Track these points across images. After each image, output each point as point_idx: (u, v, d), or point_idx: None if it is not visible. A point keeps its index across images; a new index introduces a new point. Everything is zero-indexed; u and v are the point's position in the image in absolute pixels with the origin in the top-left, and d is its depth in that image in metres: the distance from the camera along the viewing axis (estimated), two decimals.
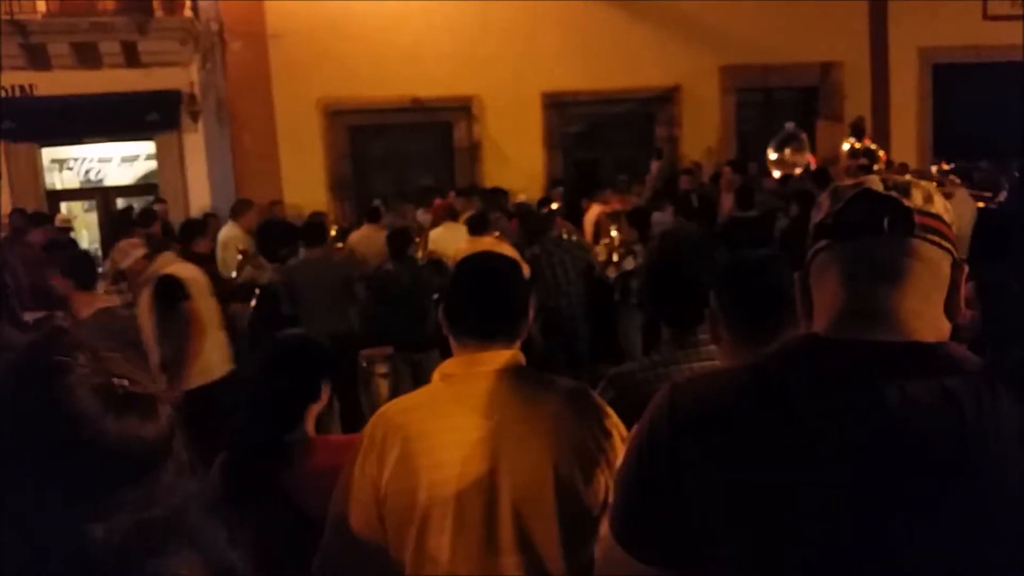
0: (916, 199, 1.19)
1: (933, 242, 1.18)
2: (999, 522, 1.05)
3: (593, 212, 9.09)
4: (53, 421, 0.65)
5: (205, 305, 5.32)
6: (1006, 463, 1.06)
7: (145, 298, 5.14)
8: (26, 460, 0.62)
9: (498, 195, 9.52)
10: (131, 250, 5.40)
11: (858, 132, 10.86)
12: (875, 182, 1.21)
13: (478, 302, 2.01)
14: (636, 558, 1.22)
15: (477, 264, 2.15)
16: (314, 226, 7.18)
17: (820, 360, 1.16)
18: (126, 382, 0.70)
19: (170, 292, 5.06)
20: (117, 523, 0.67)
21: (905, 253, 1.17)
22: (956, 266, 1.21)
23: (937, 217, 1.19)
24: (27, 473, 0.63)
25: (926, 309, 1.17)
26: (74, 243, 9.75)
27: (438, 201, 8.76)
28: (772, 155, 9.82)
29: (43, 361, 0.69)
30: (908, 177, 1.26)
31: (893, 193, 1.19)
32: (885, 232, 1.17)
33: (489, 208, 8.45)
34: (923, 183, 1.23)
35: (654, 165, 10.60)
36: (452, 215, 8.35)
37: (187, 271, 5.34)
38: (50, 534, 0.62)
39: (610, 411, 2.01)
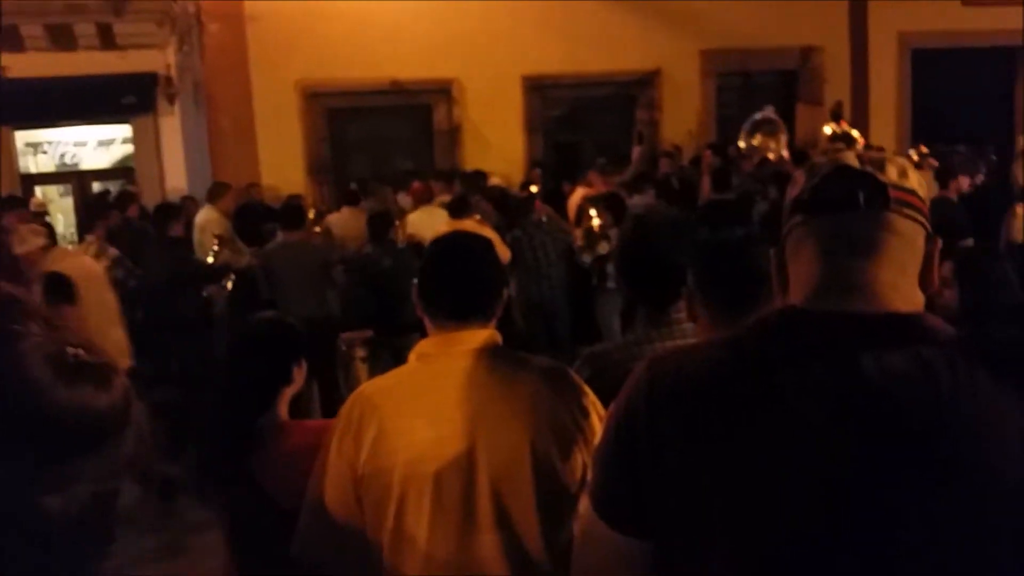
0: (891, 174, 1.20)
1: (908, 216, 1.20)
2: (974, 486, 1.06)
3: (577, 195, 9.09)
4: (3, 389, 0.63)
5: (99, 300, 5.10)
6: (981, 428, 1.08)
7: (37, 292, 4.82)
8: None
9: (478, 178, 9.49)
10: (30, 236, 5.05)
11: (836, 117, 10.93)
12: (851, 158, 1.23)
13: (451, 282, 2.00)
14: (615, 530, 1.23)
15: (450, 244, 2.14)
16: (292, 209, 7.14)
17: (797, 332, 1.18)
18: (80, 351, 0.68)
19: (55, 292, 4.78)
20: (74, 495, 0.65)
21: (880, 227, 1.18)
22: (930, 239, 1.22)
23: (911, 192, 1.21)
24: None
25: (901, 281, 1.19)
26: (50, 227, 9.66)
27: (416, 184, 8.73)
28: (744, 143, 9.85)
29: None
30: (882, 153, 1.28)
31: (868, 169, 1.20)
32: (861, 207, 1.18)
33: (470, 191, 8.42)
34: (898, 159, 1.25)
35: (635, 151, 10.60)
36: (428, 198, 8.32)
37: (78, 268, 5.10)
38: (3, 506, 0.61)
39: (587, 390, 2.01)
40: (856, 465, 1.08)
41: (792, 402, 1.12)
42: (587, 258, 7.39)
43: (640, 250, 2.48)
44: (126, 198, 8.55)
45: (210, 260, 7.32)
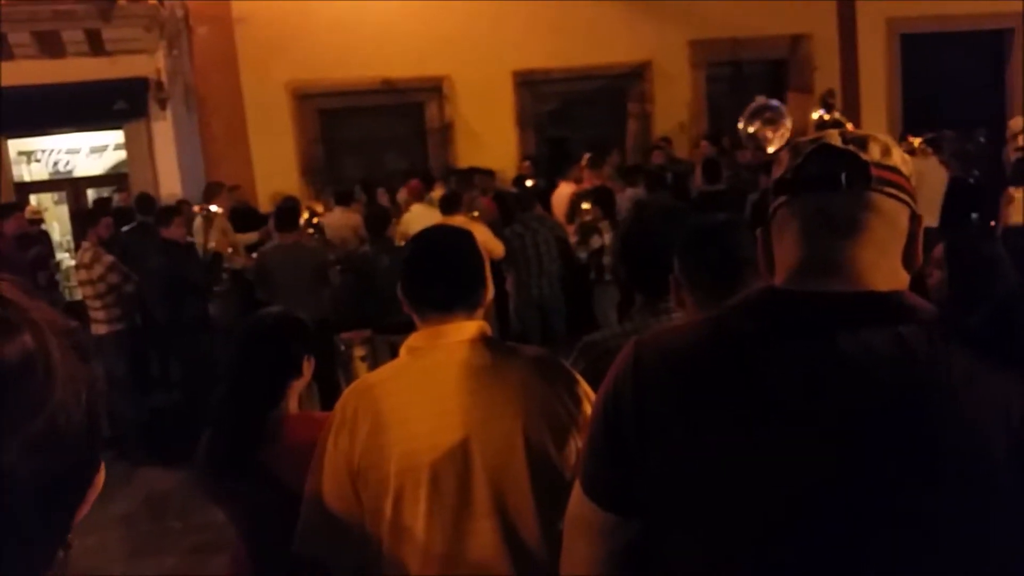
0: (873, 152, 1.20)
1: (890, 195, 1.19)
2: (953, 462, 1.07)
3: (564, 191, 9.09)
4: None
5: None
6: (959, 406, 1.08)
7: None
8: None
9: (471, 175, 9.50)
10: None
11: (827, 105, 10.92)
12: (833, 136, 1.22)
13: (432, 273, 2.02)
14: (602, 507, 1.25)
15: (429, 237, 2.16)
16: (285, 211, 7.15)
17: (776, 311, 1.18)
18: None
19: None
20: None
21: (863, 206, 1.18)
22: (914, 218, 1.22)
23: (894, 170, 1.21)
24: None
25: (883, 261, 1.19)
26: (46, 235, 9.66)
27: (414, 181, 8.76)
28: (745, 129, 9.78)
29: None
30: (866, 131, 1.26)
31: (851, 147, 1.20)
32: (843, 186, 1.18)
33: (463, 188, 8.44)
34: (881, 136, 1.24)
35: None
36: (421, 195, 8.36)
37: None
38: None
39: (579, 378, 2.03)
40: (833, 442, 1.09)
41: (769, 380, 1.13)
42: (583, 253, 7.41)
43: (636, 238, 2.50)
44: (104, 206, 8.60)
45: (212, 245, 7.37)
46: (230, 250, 7.63)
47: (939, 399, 1.09)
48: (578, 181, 9.17)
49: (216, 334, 6.97)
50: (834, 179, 1.18)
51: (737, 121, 9.80)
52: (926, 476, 1.07)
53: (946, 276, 3.30)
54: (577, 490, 1.30)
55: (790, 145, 1.28)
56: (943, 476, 1.07)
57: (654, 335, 1.30)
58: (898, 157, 1.22)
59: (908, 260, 1.22)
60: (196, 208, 8.39)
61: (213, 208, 8.33)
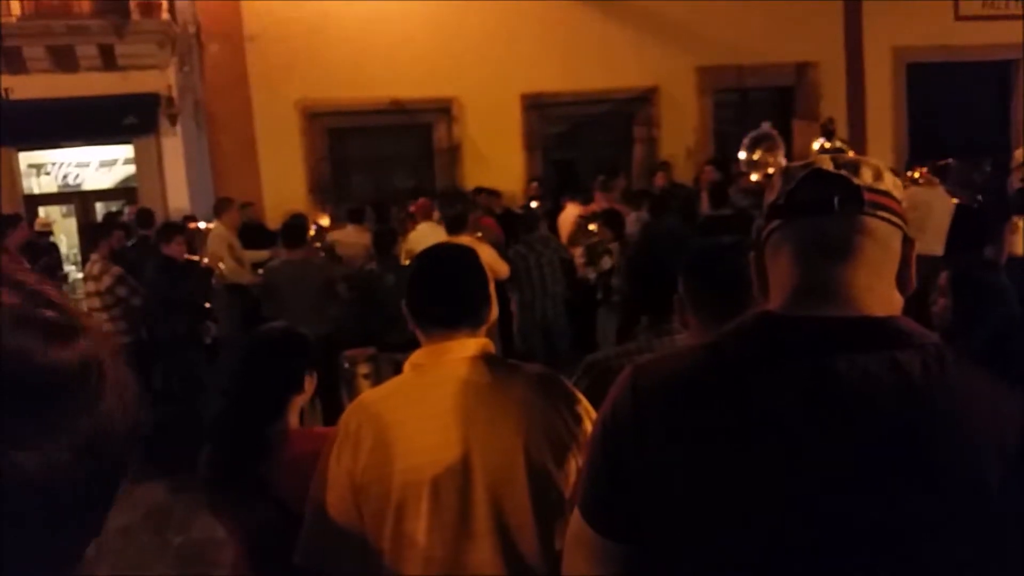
0: (865, 176, 1.21)
1: (883, 219, 1.20)
2: (949, 487, 1.07)
3: (570, 213, 9.13)
4: None
5: None
6: (955, 430, 1.08)
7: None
8: None
9: (467, 196, 9.52)
10: None
11: (828, 133, 10.97)
12: (825, 161, 1.23)
13: (438, 290, 2.04)
14: (601, 535, 1.24)
15: (433, 255, 2.18)
16: (293, 227, 7.19)
17: (772, 336, 1.19)
18: (48, 312, 0.70)
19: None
20: (51, 454, 0.67)
21: (855, 230, 1.19)
22: (907, 241, 1.23)
23: (886, 194, 1.21)
24: None
25: (877, 284, 1.19)
26: (55, 247, 9.72)
27: (421, 200, 8.80)
28: (744, 156, 9.85)
29: None
30: (858, 157, 1.28)
31: (843, 172, 1.20)
32: (835, 210, 1.19)
33: (468, 208, 8.49)
34: (872, 161, 1.25)
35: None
36: (429, 214, 8.40)
37: None
38: None
39: (580, 396, 2.04)
40: (829, 468, 1.09)
41: (766, 404, 1.13)
42: (592, 274, 7.43)
43: (644, 259, 2.53)
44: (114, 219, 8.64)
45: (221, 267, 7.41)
46: (221, 266, 7.66)
47: (934, 424, 1.09)
48: (586, 203, 9.19)
49: (215, 350, 6.98)
50: (827, 203, 1.19)
51: (741, 146, 9.86)
52: (921, 501, 1.07)
53: (950, 304, 3.32)
54: (576, 513, 1.30)
55: (781, 170, 1.29)
56: (937, 501, 1.07)
57: (652, 360, 1.31)
58: (889, 181, 1.23)
59: (902, 283, 1.22)
60: (190, 225, 8.44)
61: (202, 225, 8.38)
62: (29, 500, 0.64)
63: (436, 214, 8.45)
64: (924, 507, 1.07)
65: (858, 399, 1.10)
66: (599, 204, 8.92)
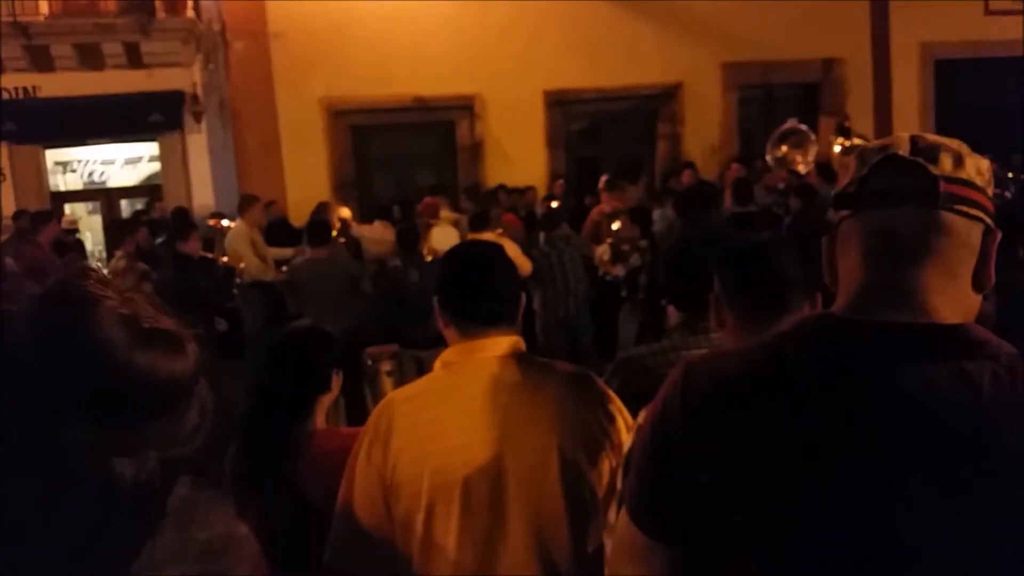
0: (944, 164, 1.12)
1: (961, 212, 1.11)
2: (1013, 503, 1.02)
3: (593, 212, 9.07)
4: (81, 347, 0.65)
5: None
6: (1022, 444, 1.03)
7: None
8: (52, 390, 0.63)
9: (491, 193, 9.48)
10: None
11: (844, 131, 10.83)
12: (903, 144, 1.15)
13: (479, 287, 2.01)
14: (648, 535, 1.21)
15: (469, 251, 2.18)
16: (317, 225, 7.20)
17: (833, 341, 1.12)
18: (155, 319, 0.72)
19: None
20: (144, 461, 0.68)
21: (929, 227, 1.11)
22: (988, 233, 1.13)
23: (968, 184, 1.12)
24: (54, 404, 0.63)
25: (949, 286, 1.12)
26: (81, 244, 9.79)
27: (427, 200, 8.79)
28: (770, 155, 9.74)
29: (73, 291, 0.70)
30: (937, 138, 1.17)
31: (919, 159, 1.12)
32: (908, 203, 1.11)
33: (492, 206, 8.48)
34: (953, 145, 1.15)
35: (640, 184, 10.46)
36: (435, 213, 8.40)
37: None
38: (78, 469, 0.63)
39: (613, 396, 2.01)
40: (887, 481, 1.04)
41: (824, 414, 1.08)
42: (621, 271, 7.38)
43: (680, 255, 2.49)
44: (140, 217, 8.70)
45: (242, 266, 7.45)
46: (242, 265, 7.67)
47: (1002, 438, 1.03)
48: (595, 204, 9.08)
49: (233, 346, 6.98)
50: (898, 195, 1.11)
51: (766, 143, 9.76)
52: (985, 514, 1.02)
53: (994, 307, 3.25)
54: (624, 514, 1.26)
55: (856, 152, 1.20)
56: (1003, 516, 1.02)
57: (705, 358, 1.26)
58: (972, 168, 1.13)
59: (979, 281, 1.14)
60: (211, 222, 8.46)
61: (224, 223, 8.39)
62: (117, 503, 0.66)
63: (444, 212, 8.45)
64: (987, 524, 1.02)
65: (921, 411, 1.04)
66: (609, 204, 8.81)
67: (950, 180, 1.11)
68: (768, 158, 9.64)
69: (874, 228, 1.14)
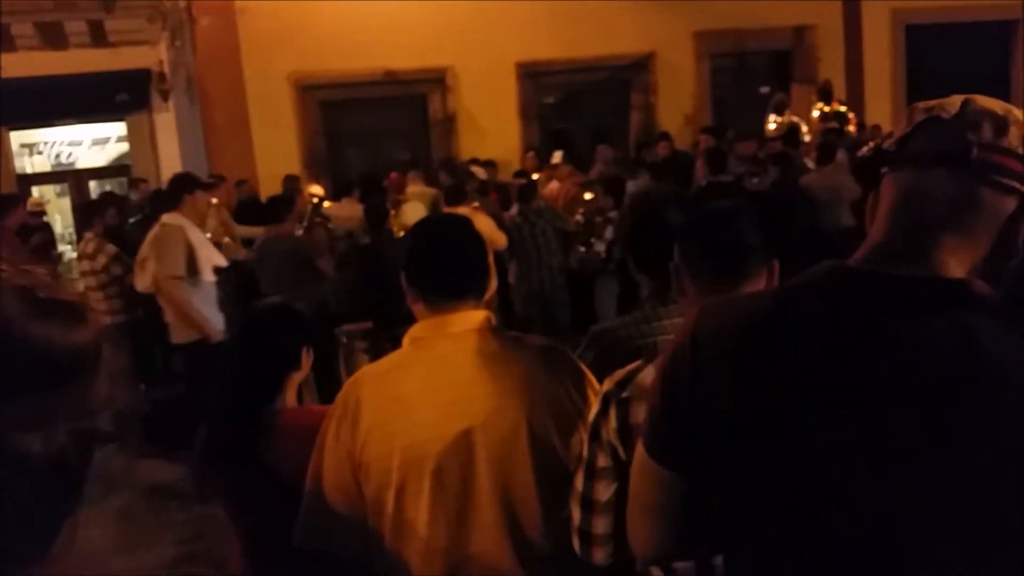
0: (986, 132, 1.12)
1: (994, 183, 1.11)
2: (1009, 451, 1.04)
3: (553, 186, 9.02)
4: None
5: None
6: (1020, 395, 1.05)
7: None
8: None
9: (462, 166, 9.44)
10: None
11: (826, 96, 10.87)
12: (953, 106, 1.15)
13: (443, 261, 1.99)
14: (661, 465, 1.24)
15: (433, 225, 2.15)
16: (273, 201, 7.11)
17: (841, 290, 1.14)
18: (51, 292, 0.70)
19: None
20: (52, 434, 0.66)
21: (958, 194, 1.12)
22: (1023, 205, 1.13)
23: (1007, 152, 1.12)
24: None
25: (964, 248, 1.13)
26: (48, 226, 9.65)
27: (393, 175, 8.73)
28: (774, 124, 9.83)
29: None
30: (989, 103, 1.16)
31: (959, 124, 1.13)
32: (939, 166, 1.12)
33: (465, 179, 8.44)
34: (1001, 110, 1.15)
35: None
36: (401, 188, 8.35)
37: None
38: None
39: (585, 369, 2.01)
40: (885, 429, 1.07)
41: (825, 359, 1.10)
42: (600, 246, 7.38)
43: (645, 224, 2.46)
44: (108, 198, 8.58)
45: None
46: (227, 240, 7.58)
47: (999, 390, 1.05)
48: (561, 180, 9.04)
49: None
50: (930, 159, 1.13)
51: (740, 112, 9.82)
52: (983, 463, 1.04)
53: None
54: (639, 448, 1.29)
55: (911, 107, 1.21)
56: (997, 466, 1.04)
57: (718, 303, 1.27)
58: (1016, 136, 1.12)
59: (1008, 248, 1.14)
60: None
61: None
62: (27, 480, 0.65)
63: (419, 187, 8.39)
64: (983, 474, 1.04)
65: (918, 361, 1.07)
66: (569, 181, 8.75)
67: (990, 147, 1.11)
68: (771, 127, 9.73)
69: (905, 187, 1.16)
